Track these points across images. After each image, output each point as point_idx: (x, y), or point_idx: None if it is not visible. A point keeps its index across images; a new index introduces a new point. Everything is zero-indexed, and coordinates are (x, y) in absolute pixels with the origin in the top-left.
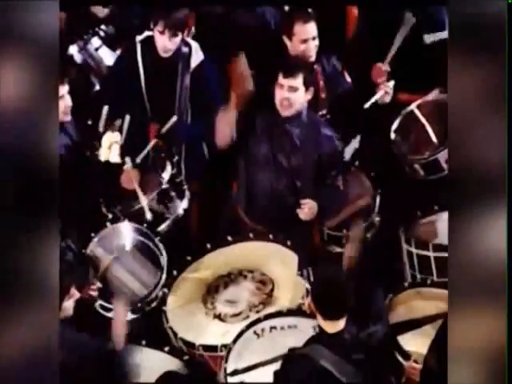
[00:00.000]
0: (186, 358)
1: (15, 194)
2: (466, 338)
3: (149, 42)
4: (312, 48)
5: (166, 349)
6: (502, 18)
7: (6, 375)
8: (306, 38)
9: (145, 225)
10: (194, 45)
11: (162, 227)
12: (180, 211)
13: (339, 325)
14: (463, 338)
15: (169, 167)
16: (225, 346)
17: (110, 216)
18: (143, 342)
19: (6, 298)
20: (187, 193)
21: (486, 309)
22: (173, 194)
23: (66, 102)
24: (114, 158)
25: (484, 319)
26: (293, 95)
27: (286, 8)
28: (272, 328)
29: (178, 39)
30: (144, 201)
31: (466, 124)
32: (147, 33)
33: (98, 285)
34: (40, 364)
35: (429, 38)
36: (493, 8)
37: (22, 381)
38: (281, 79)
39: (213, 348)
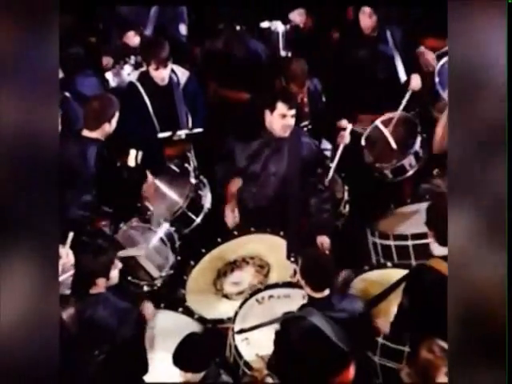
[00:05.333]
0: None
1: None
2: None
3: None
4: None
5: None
6: (501, 18)
7: (6, 374)
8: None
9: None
10: (180, 69)
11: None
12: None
13: (324, 293)
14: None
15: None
16: (229, 318)
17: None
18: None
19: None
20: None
21: (486, 309)
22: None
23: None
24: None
25: (483, 320)
26: (292, 121)
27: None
28: (270, 297)
29: (169, 67)
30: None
31: (465, 123)
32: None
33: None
34: (40, 363)
35: None
36: (493, 8)
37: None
38: (284, 110)
39: (220, 321)
